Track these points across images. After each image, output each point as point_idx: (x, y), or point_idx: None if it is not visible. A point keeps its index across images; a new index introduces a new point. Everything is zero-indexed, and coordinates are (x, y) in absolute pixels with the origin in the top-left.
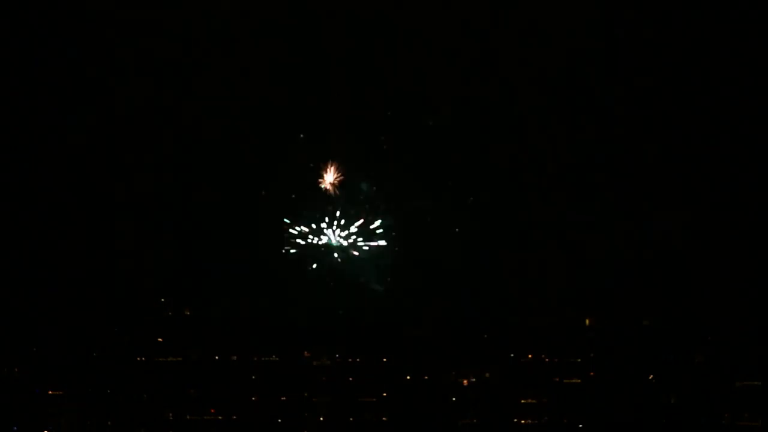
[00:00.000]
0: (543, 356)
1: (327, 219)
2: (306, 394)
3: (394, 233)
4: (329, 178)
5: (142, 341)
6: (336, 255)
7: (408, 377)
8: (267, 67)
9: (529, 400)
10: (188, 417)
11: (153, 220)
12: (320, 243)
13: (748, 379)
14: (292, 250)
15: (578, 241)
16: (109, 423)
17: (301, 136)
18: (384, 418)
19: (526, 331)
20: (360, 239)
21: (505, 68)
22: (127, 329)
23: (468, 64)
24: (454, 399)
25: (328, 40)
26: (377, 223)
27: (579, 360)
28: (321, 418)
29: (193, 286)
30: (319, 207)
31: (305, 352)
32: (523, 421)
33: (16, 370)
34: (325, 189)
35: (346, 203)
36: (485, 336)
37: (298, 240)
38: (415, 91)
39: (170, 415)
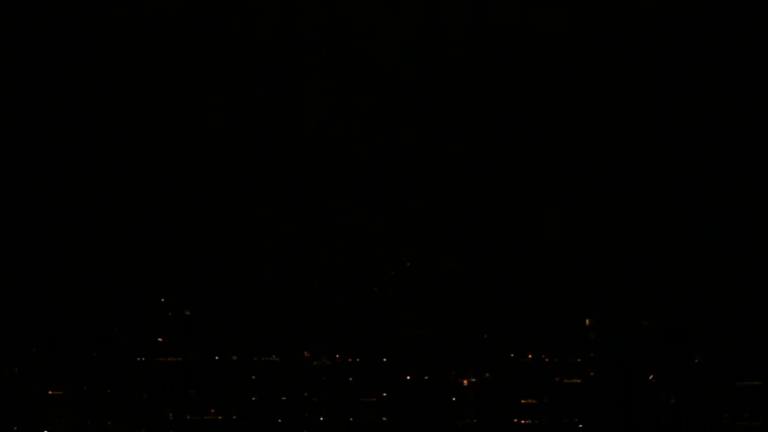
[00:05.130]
0: (543, 356)
1: None
2: (306, 394)
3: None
4: None
5: (142, 341)
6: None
7: (408, 377)
8: (268, 68)
9: (529, 400)
10: (188, 417)
11: (153, 220)
12: None
13: (748, 379)
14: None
15: (578, 240)
16: (109, 423)
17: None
18: (384, 418)
19: (526, 331)
20: None
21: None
22: (127, 329)
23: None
24: (454, 399)
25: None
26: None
27: (579, 360)
28: (321, 418)
29: (193, 286)
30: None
31: (305, 352)
32: (523, 421)
33: (16, 370)
34: None
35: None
36: (485, 336)
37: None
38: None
39: (170, 415)
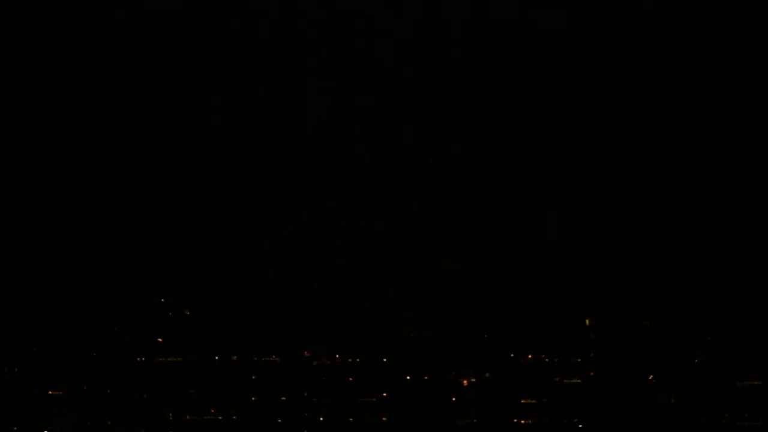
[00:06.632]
0: (543, 356)
1: None
2: (306, 394)
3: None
4: None
5: (142, 341)
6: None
7: (408, 377)
8: (268, 68)
9: (529, 400)
10: (188, 417)
11: (153, 220)
12: None
13: (748, 379)
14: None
15: (578, 240)
16: (109, 423)
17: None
18: (384, 418)
19: (526, 331)
20: None
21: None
22: (127, 329)
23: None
24: (454, 399)
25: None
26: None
27: (579, 360)
28: (321, 418)
29: (193, 286)
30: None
31: (305, 352)
32: (523, 421)
33: (16, 370)
34: None
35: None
36: (485, 336)
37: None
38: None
39: (170, 415)
